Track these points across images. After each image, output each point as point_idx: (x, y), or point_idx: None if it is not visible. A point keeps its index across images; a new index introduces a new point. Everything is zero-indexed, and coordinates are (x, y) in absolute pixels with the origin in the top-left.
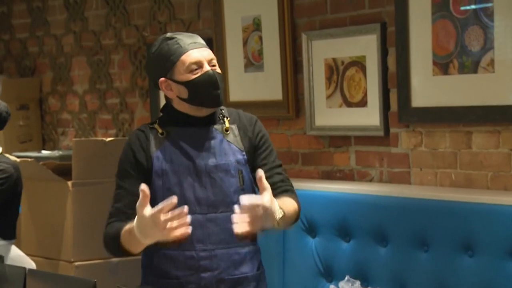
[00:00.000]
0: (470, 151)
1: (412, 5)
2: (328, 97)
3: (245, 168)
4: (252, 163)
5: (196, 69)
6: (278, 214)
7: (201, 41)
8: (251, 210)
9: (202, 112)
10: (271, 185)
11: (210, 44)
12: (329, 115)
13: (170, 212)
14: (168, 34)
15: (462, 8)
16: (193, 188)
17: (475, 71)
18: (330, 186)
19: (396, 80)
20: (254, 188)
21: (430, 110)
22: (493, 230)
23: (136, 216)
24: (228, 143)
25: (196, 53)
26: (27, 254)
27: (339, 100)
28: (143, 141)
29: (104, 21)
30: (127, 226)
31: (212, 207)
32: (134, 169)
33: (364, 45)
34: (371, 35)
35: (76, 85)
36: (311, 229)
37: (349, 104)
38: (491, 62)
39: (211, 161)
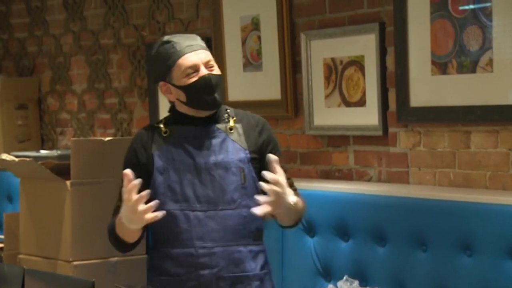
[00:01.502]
0: (468, 150)
1: (411, 4)
2: (327, 96)
3: (248, 167)
4: (260, 165)
5: (192, 73)
6: (292, 198)
7: (199, 42)
8: (274, 187)
9: (202, 113)
10: None
11: (208, 43)
12: (327, 114)
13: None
14: (166, 38)
15: (461, 7)
16: (193, 186)
17: (473, 70)
18: (328, 185)
19: (394, 80)
20: (257, 186)
21: (428, 110)
22: (492, 229)
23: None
24: (232, 142)
25: (192, 56)
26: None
27: (338, 100)
28: (145, 141)
29: (103, 21)
30: (119, 215)
31: (212, 204)
32: (135, 168)
33: (363, 45)
34: (369, 35)
35: (74, 84)
36: (310, 229)
37: (347, 104)
38: (490, 62)
39: (211, 159)
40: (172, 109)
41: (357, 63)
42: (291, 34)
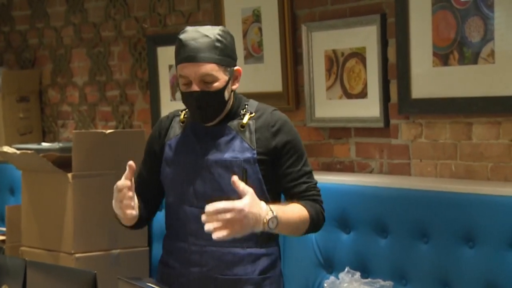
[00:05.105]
0: (470, 142)
1: None
2: (328, 88)
3: (254, 168)
4: (275, 166)
5: (186, 83)
6: (266, 216)
7: (205, 52)
8: (218, 215)
9: None
10: (295, 194)
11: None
12: (329, 106)
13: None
14: (182, 33)
15: None
16: (193, 181)
17: (475, 62)
18: (330, 177)
19: (396, 72)
20: (263, 189)
21: (430, 102)
22: (494, 221)
23: None
24: (241, 140)
25: (188, 69)
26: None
27: (339, 92)
28: (163, 128)
29: (103, 13)
30: None
31: (209, 202)
32: (148, 153)
33: (364, 36)
34: (371, 26)
35: (76, 77)
36: None
37: (349, 96)
38: (492, 53)
39: (214, 157)
40: None
41: (359, 55)
42: (292, 26)
